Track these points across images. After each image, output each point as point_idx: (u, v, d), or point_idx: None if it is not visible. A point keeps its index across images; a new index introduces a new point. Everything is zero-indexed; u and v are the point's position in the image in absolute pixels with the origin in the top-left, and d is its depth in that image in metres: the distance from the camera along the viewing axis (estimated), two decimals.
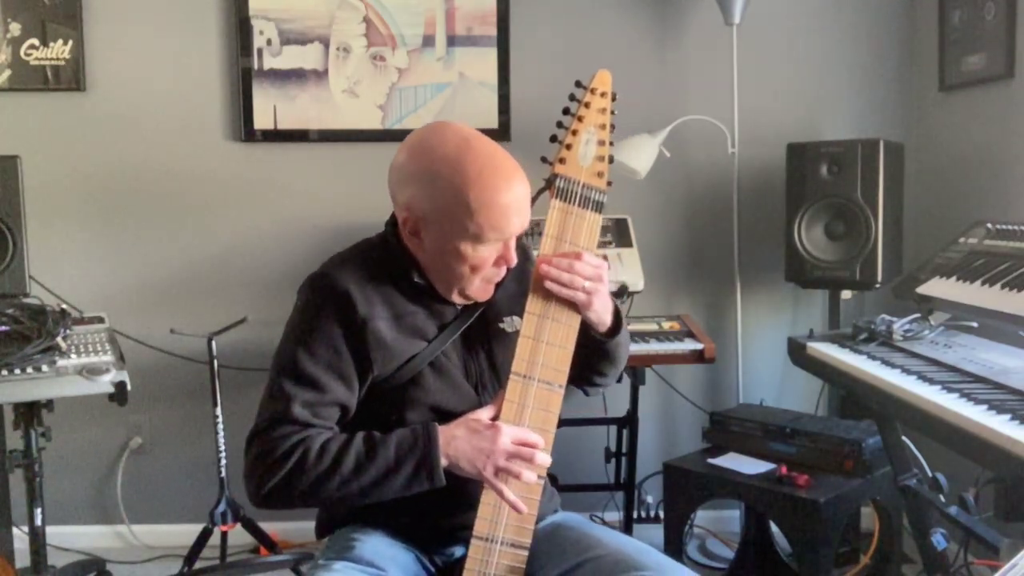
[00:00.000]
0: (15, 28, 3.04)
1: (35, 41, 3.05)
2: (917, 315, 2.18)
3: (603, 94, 1.55)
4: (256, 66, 3.11)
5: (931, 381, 1.77)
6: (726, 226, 3.14)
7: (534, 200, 1.56)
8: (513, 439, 1.47)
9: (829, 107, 3.22)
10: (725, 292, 3.21)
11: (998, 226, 2.23)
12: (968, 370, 1.82)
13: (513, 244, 1.54)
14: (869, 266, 2.80)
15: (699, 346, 2.65)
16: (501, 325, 1.64)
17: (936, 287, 2.20)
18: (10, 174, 2.55)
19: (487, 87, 3.15)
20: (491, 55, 3.14)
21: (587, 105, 1.54)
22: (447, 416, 1.54)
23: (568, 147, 1.53)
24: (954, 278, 2.17)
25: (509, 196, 1.47)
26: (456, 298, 1.58)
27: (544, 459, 1.48)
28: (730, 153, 3.06)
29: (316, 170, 3.17)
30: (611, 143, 1.56)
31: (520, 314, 1.58)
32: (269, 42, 3.10)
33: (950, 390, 1.70)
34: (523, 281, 1.60)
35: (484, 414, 1.52)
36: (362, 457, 1.47)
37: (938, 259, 2.31)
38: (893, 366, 1.91)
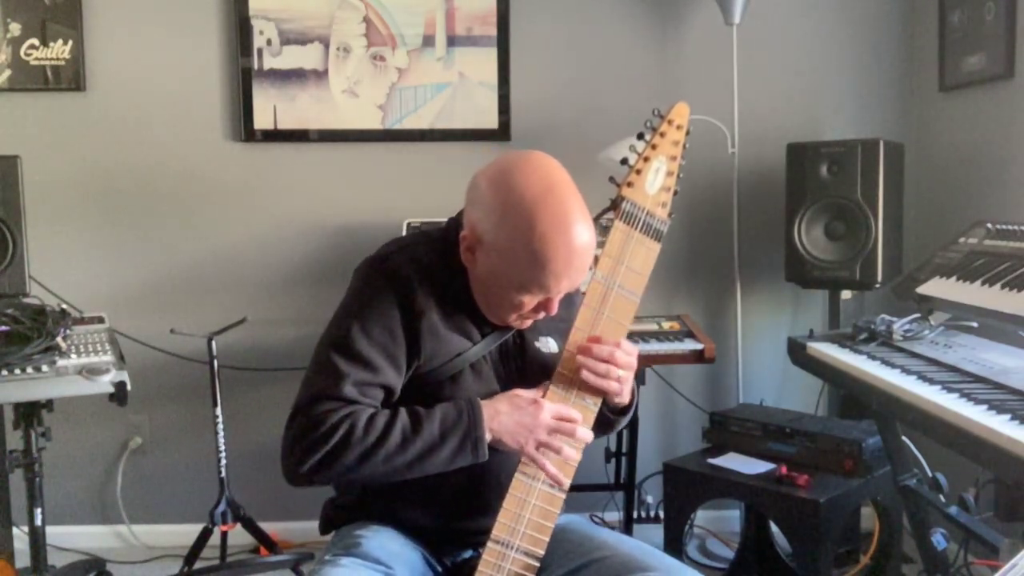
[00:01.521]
0: (15, 28, 3.04)
1: (35, 41, 3.04)
2: (917, 315, 2.18)
3: (679, 127, 1.56)
4: (256, 66, 3.11)
5: (931, 381, 1.77)
6: (726, 226, 3.14)
7: (597, 219, 1.56)
8: (554, 414, 1.49)
9: (829, 107, 3.22)
10: (725, 292, 3.21)
11: (998, 226, 2.22)
12: (968, 370, 1.82)
13: (558, 299, 1.53)
14: (869, 266, 2.80)
15: (699, 346, 2.65)
16: (537, 344, 1.65)
17: (936, 287, 2.19)
18: (10, 174, 2.54)
19: (487, 87, 3.15)
20: (491, 55, 3.14)
21: (662, 135, 1.55)
22: None
23: (638, 172, 1.54)
24: (954, 278, 2.17)
25: (566, 259, 1.46)
26: (491, 318, 1.59)
27: (585, 433, 1.51)
28: (730, 153, 3.06)
29: (316, 170, 3.17)
30: (680, 176, 1.56)
31: (557, 337, 1.61)
32: (269, 42, 3.10)
33: (950, 390, 1.70)
34: (569, 307, 1.61)
35: (526, 392, 1.53)
36: (408, 431, 1.47)
37: (938, 259, 2.31)
38: (893, 366, 1.91)
